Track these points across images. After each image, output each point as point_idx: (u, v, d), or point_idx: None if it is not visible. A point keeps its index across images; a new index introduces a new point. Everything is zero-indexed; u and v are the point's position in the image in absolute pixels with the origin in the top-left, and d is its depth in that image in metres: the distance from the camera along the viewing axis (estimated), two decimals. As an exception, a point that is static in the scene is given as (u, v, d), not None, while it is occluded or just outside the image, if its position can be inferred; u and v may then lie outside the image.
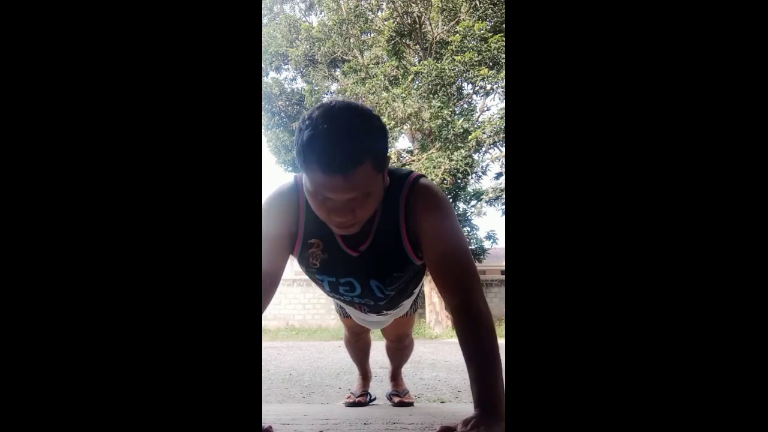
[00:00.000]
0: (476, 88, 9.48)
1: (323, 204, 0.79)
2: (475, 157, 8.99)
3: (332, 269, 0.97)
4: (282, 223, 0.92)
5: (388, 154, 0.83)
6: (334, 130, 0.73)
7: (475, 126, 8.73)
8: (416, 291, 1.21)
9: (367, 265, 0.95)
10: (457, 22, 8.96)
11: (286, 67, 11.53)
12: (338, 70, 10.57)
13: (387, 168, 0.85)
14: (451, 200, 9.18)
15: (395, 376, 1.75)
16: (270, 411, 1.33)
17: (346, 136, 0.73)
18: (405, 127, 9.15)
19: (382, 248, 0.92)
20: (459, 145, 8.51)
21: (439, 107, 8.48)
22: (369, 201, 0.80)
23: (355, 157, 0.73)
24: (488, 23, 8.75)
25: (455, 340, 0.91)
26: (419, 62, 9.41)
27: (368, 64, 9.37)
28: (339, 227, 0.84)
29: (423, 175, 0.94)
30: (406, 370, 2.47)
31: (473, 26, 8.52)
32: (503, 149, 8.95)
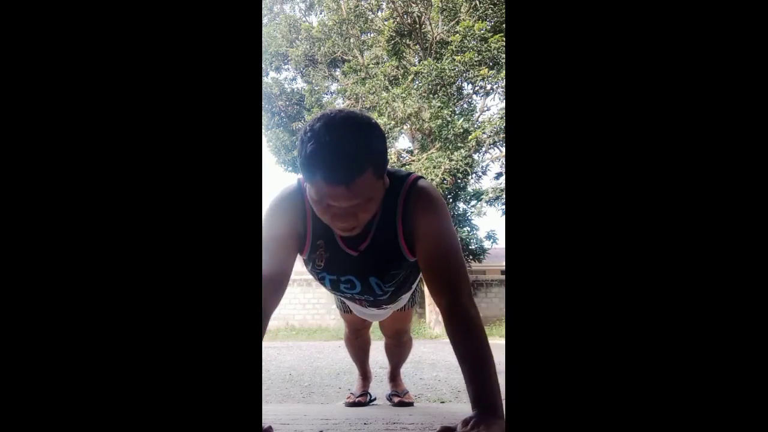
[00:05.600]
0: (476, 88, 9.48)
1: (327, 210, 0.82)
2: (475, 157, 8.99)
3: (334, 268, 1.00)
4: (290, 225, 0.95)
5: (387, 159, 0.85)
6: (335, 142, 0.75)
7: (475, 126, 8.73)
8: (414, 286, 1.24)
9: (366, 264, 0.98)
10: (457, 22, 8.95)
11: (286, 67, 11.53)
12: (338, 70, 10.57)
13: (386, 171, 0.87)
14: (450, 200, 9.22)
15: (394, 377, 1.75)
16: (270, 411, 1.33)
17: (347, 148, 0.75)
18: (405, 127, 9.16)
19: (380, 247, 0.95)
20: (459, 145, 8.51)
21: (439, 107, 8.48)
22: (371, 205, 0.83)
23: (357, 168, 0.75)
24: (488, 23, 8.76)
25: None
26: (419, 62, 9.41)
27: (368, 64, 9.37)
28: (342, 231, 0.88)
29: (422, 177, 0.97)
30: (406, 370, 2.47)
31: (473, 26, 8.52)
32: (503, 149, 8.95)
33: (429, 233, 0.91)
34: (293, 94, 11.48)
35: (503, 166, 9.07)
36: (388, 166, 0.90)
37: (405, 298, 1.28)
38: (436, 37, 9.24)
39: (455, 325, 0.86)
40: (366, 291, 1.05)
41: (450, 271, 0.90)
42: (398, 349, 1.70)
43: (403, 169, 1.04)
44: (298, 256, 1.00)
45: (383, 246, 0.95)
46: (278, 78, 11.54)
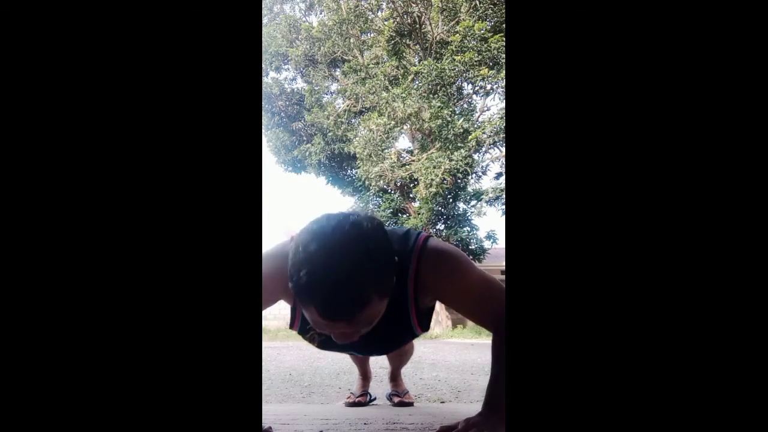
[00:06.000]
0: (476, 88, 9.48)
1: (324, 329, 0.73)
2: (475, 157, 8.99)
3: (331, 347, 0.97)
4: (276, 293, 0.87)
5: (392, 276, 0.75)
6: (334, 274, 0.65)
7: (475, 126, 8.73)
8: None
9: (368, 344, 0.92)
10: (457, 22, 8.95)
11: (286, 67, 11.53)
12: (338, 70, 10.57)
13: (392, 287, 0.75)
14: (450, 200, 9.22)
15: (395, 377, 1.75)
16: (270, 411, 1.33)
17: (348, 282, 0.65)
18: (405, 127, 9.16)
19: (385, 330, 0.86)
20: (459, 145, 8.51)
21: (439, 107, 8.48)
22: (376, 320, 0.74)
23: (359, 303, 0.67)
24: (488, 23, 8.75)
25: (455, 340, 0.94)
26: (419, 62, 9.41)
27: (368, 64, 9.37)
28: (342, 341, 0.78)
29: (429, 236, 0.89)
30: (406, 370, 2.47)
31: (473, 26, 8.52)
32: (503, 149, 8.95)
33: (458, 293, 0.87)
34: (293, 94, 11.49)
35: (503, 166, 9.07)
36: (389, 231, 0.81)
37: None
38: (436, 37, 9.24)
39: (496, 341, 0.86)
40: (366, 354, 1.04)
41: (491, 312, 0.87)
42: (399, 356, 1.70)
43: (403, 228, 0.93)
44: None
45: (390, 328, 0.87)
46: (278, 78, 11.55)
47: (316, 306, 0.67)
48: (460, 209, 9.63)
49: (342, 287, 0.65)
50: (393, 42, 9.47)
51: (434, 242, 0.88)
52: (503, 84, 8.45)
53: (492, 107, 13.40)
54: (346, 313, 0.67)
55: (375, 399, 1.73)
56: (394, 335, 0.93)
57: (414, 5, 9.12)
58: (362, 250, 0.67)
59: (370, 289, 0.67)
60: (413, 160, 9.16)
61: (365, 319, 0.69)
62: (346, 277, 0.65)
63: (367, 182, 9.26)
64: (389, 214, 10.01)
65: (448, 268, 0.85)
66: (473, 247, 9.31)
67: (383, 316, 0.77)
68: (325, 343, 0.95)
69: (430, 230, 9.20)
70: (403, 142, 11.55)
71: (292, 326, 0.94)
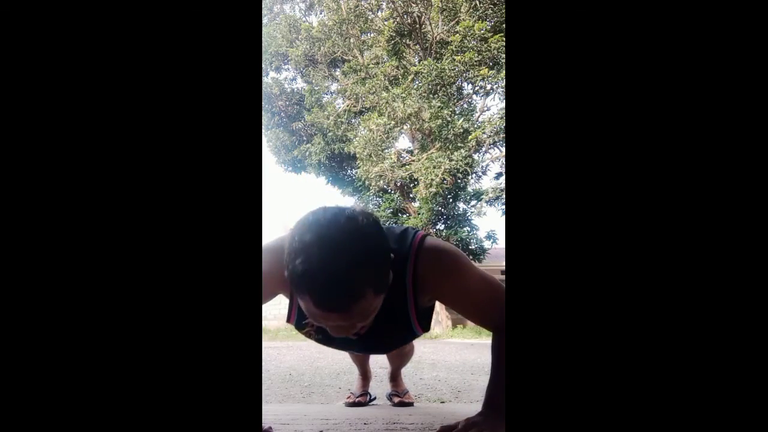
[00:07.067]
0: (476, 88, 9.48)
1: (320, 322, 0.74)
2: (475, 157, 8.99)
3: (329, 344, 0.97)
4: (273, 287, 0.87)
5: (388, 272, 0.74)
6: (329, 265, 0.65)
7: (475, 126, 8.73)
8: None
9: (366, 343, 0.93)
10: (457, 22, 8.95)
11: (286, 67, 11.54)
12: (338, 70, 10.57)
13: (388, 284, 0.75)
14: (450, 200, 9.22)
15: (395, 377, 1.75)
16: (270, 411, 1.33)
17: (343, 276, 0.65)
18: (405, 127, 9.16)
19: (384, 329, 0.86)
20: (459, 145, 8.51)
21: (439, 107, 8.48)
22: (371, 317, 0.74)
23: (355, 296, 0.67)
24: (488, 23, 8.75)
25: (455, 340, 0.94)
26: (419, 62, 9.41)
27: (368, 64, 9.37)
28: (338, 335, 0.78)
29: (426, 235, 0.89)
30: (406, 370, 2.47)
31: (473, 26, 8.52)
32: (503, 149, 8.95)
33: (457, 292, 0.87)
34: (293, 94, 11.48)
35: (503, 166, 9.07)
36: (386, 229, 0.81)
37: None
38: (436, 37, 9.24)
39: (496, 339, 0.87)
40: (366, 353, 1.04)
41: (490, 312, 0.87)
42: (399, 357, 1.70)
43: (401, 227, 0.92)
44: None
45: (389, 327, 0.87)
46: (278, 78, 11.55)
47: (311, 295, 0.67)
48: (460, 209, 9.63)
49: (336, 279, 0.65)
50: (393, 42, 9.47)
51: (432, 240, 0.88)
52: (503, 84, 8.45)
53: (492, 107, 13.43)
54: (340, 305, 0.67)
55: (375, 399, 1.73)
56: (394, 335, 0.93)
57: (414, 5, 9.12)
58: (357, 245, 0.67)
59: (365, 284, 0.67)
60: (413, 160, 9.16)
61: (360, 313, 0.69)
62: (341, 270, 0.65)
63: (367, 182, 9.26)
64: (389, 214, 10.01)
65: (447, 267, 0.85)
66: (473, 247, 9.31)
67: (382, 315, 0.77)
68: (323, 338, 0.95)
69: (430, 230, 9.19)
70: (403, 142, 11.56)
71: (288, 320, 0.94)
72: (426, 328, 0.94)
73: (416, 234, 0.88)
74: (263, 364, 1.83)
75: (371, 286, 0.68)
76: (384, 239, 0.73)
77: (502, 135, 8.38)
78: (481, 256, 9.45)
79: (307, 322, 0.89)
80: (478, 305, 0.88)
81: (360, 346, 0.98)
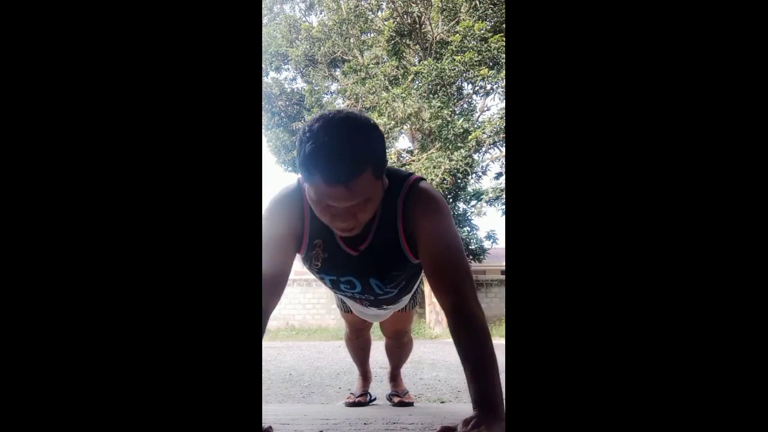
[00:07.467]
0: (476, 88, 9.48)
1: (326, 210, 0.82)
2: (475, 157, 8.99)
3: (333, 268, 1.00)
4: (288, 224, 0.95)
5: (386, 160, 0.85)
6: (334, 142, 0.75)
7: (475, 126, 8.73)
8: (415, 287, 1.24)
9: (366, 264, 0.98)
10: (457, 22, 8.96)
11: (286, 67, 11.53)
12: (338, 70, 10.57)
13: (385, 172, 0.87)
14: (450, 200, 9.22)
15: (394, 377, 1.75)
16: (270, 411, 1.33)
17: (346, 148, 0.75)
18: (405, 127, 9.16)
19: (380, 248, 0.95)
20: (459, 145, 8.51)
21: (439, 107, 8.48)
22: (370, 205, 0.83)
23: (356, 168, 0.75)
24: (488, 23, 8.76)
25: None
26: (419, 62, 9.41)
27: (368, 64, 9.37)
28: (341, 231, 0.87)
29: (422, 178, 0.96)
30: (406, 370, 2.47)
31: (473, 26, 8.52)
32: (503, 149, 8.95)
33: (430, 235, 0.91)
34: (293, 94, 11.48)
35: (503, 166, 9.07)
36: (388, 166, 0.90)
37: (406, 299, 1.28)
38: (436, 37, 9.24)
39: (459, 325, 0.85)
40: (366, 291, 1.05)
41: (454, 273, 0.89)
42: (398, 349, 1.70)
43: (403, 169, 1.06)
44: (297, 255, 1.00)
45: (384, 247, 0.94)
46: (278, 78, 11.54)
47: (318, 170, 0.75)
48: (460, 209, 9.63)
49: (341, 151, 0.75)
50: (393, 42, 9.47)
51: (425, 184, 0.95)
52: (503, 84, 8.45)
53: (492, 107, 13.42)
54: (344, 174, 0.75)
55: (375, 399, 1.73)
56: (388, 255, 0.96)
57: (414, 5, 9.12)
58: (360, 126, 0.79)
59: (366, 158, 0.77)
60: (413, 160, 9.16)
61: (361, 191, 0.77)
62: (345, 144, 0.75)
63: (367, 182, 9.23)
64: (389, 214, 9.97)
65: (430, 207, 0.92)
66: (473, 247, 9.32)
67: (377, 230, 0.91)
68: (325, 265, 0.99)
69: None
70: (403, 142, 11.56)
71: (299, 251, 0.99)
72: (416, 255, 0.96)
73: (413, 175, 0.96)
74: (263, 364, 1.83)
75: (371, 163, 0.77)
76: (381, 133, 0.83)
77: (502, 135, 8.39)
78: (481, 256, 9.45)
79: (317, 243, 0.96)
80: (442, 255, 0.90)
81: (358, 270, 0.99)
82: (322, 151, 0.75)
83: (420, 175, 0.99)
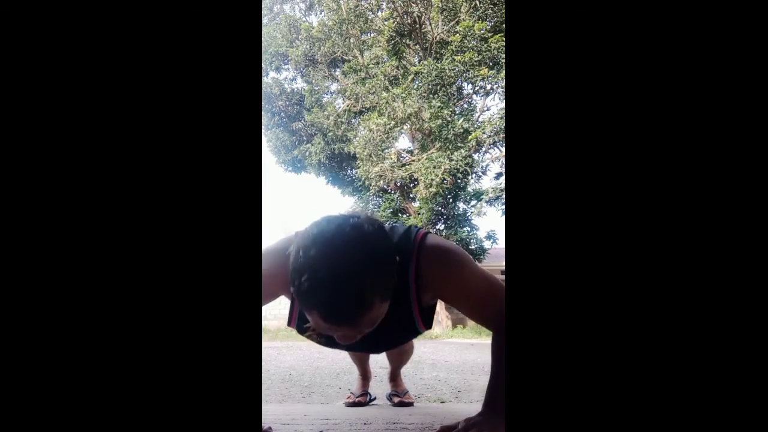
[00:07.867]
0: (476, 88, 9.48)
1: (327, 331, 0.74)
2: (475, 157, 9.00)
3: (332, 345, 0.97)
4: (275, 288, 0.87)
5: (394, 279, 0.74)
6: (335, 278, 0.65)
7: (475, 126, 8.73)
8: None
9: (369, 342, 0.91)
10: (457, 22, 8.95)
11: (286, 67, 11.53)
12: (338, 70, 10.57)
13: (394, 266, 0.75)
14: (450, 200, 9.22)
15: (394, 377, 1.75)
16: (270, 411, 1.33)
17: (351, 288, 0.65)
18: (405, 127, 9.16)
19: (389, 328, 0.85)
20: (459, 145, 8.51)
21: (439, 107, 8.48)
22: (378, 321, 0.74)
23: (361, 307, 0.67)
24: (488, 23, 8.76)
25: (455, 340, 0.94)
26: (419, 62, 9.41)
27: (368, 64, 9.37)
28: (344, 342, 0.79)
29: (428, 232, 0.89)
30: (406, 370, 2.47)
31: (473, 26, 8.52)
32: (503, 149, 8.95)
33: (460, 291, 0.87)
34: (293, 94, 11.48)
35: (503, 166, 9.07)
36: (385, 227, 0.80)
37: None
38: (436, 37, 9.24)
39: (496, 340, 0.86)
40: (368, 352, 1.04)
41: (492, 309, 0.86)
42: (399, 355, 1.70)
43: (399, 224, 0.93)
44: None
45: (393, 326, 0.86)
46: (278, 78, 11.54)
47: (318, 311, 0.67)
48: (460, 209, 9.63)
49: (344, 291, 0.65)
50: (393, 42, 9.47)
51: (433, 238, 0.88)
52: (503, 84, 8.45)
53: (492, 107, 13.41)
54: (348, 317, 0.67)
55: (375, 399, 1.73)
56: (397, 333, 0.93)
57: (414, 5, 9.12)
58: (363, 254, 0.67)
59: (372, 292, 0.67)
60: (413, 160, 9.16)
61: (368, 321, 0.70)
62: (348, 282, 0.65)
63: (367, 182, 9.26)
64: (389, 214, 10.01)
65: (448, 265, 0.85)
66: (473, 247, 9.31)
67: (387, 315, 0.77)
68: (326, 342, 0.96)
69: (431, 230, 9.19)
70: (403, 142, 11.55)
71: (290, 323, 0.95)
72: (429, 325, 0.94)
73: (418, 232, 0.88)
74: (263, 364, 1.83)
75: (378, 294, 0.68)
76: (390, 245, 0.73)
77: (502, 135, 8.39)
78: (481, 256, 9.45)
79: (309, 326, 0.89)
80: (477, 302, 0.88)
81: (363, 346, 0.98)
82: (322, 290, 0.65)
83: (422, 228, 0.92)
